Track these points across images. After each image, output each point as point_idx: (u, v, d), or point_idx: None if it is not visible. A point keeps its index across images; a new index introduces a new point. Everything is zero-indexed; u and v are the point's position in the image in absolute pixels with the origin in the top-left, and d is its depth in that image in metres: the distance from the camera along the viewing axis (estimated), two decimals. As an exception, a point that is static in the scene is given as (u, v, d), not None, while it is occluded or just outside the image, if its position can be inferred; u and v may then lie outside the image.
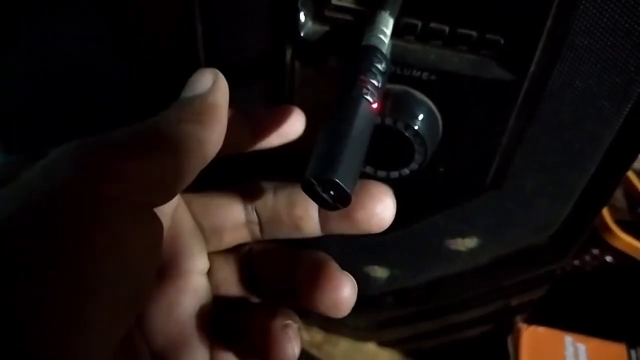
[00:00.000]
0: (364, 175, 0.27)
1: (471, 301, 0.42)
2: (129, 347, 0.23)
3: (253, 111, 0.24)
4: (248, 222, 0.25)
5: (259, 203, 0.25)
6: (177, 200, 0.24)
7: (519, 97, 0.25)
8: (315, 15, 0.25)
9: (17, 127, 0.38)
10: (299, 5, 0.24)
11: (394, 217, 0.24)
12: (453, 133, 0.26)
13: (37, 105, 0.36)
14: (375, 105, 0.21)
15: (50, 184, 0.17)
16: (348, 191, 0.18)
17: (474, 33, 0.24)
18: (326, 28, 0.25)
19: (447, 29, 0.24)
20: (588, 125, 0.26)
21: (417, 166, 0.26)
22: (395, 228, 0.33)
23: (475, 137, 0.27)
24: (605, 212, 0.47)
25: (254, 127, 0.24)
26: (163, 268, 0.24)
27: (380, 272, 0.37)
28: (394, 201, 0.24)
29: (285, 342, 0.22)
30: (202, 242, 0.25)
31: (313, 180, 0.18)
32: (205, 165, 0.21)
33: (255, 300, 0.26)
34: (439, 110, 0.26)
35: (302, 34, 0.25)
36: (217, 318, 0.25)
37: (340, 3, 0.24)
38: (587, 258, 0.49)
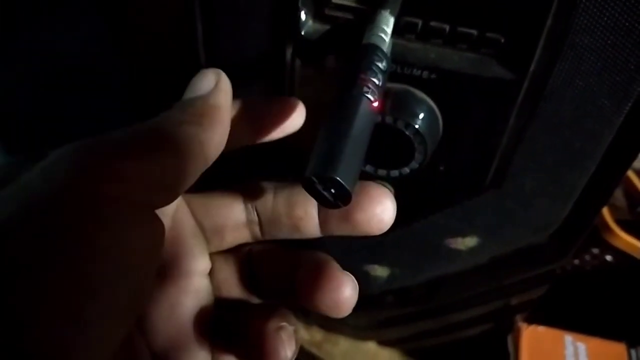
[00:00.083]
0: (364, 174, 0.27)
1: (471, 300, 0.42)
2: (129, 348, 0.23)
3: (252, 104, 0.24)
4: (249, 222, 0.25)
5: (259, 203, 0.25)
6: (178, 200, 0.24)
7: (519, 96, 0.25)
8: (316, 14, 0.25)
9: (17, 127, 0.38)
10: (300, 4, 0.24)
11: (393, 219, 0.24)
12: (453, 132, 0.26)
13: (37, 106, 0.36)
14: (375, 104, 0.21)
15: (50, 185, 0.17)
16: (348, 189, 0.18)
17: (474, 32, 0.24)
18: (327, 27, 0.25)
19: (447, 27, 0.24)
20: (588, 124, 0.26)
21: (417, 165, 0.26)
22: (395, 227, 0.33)
23: (475, 136, 0.27)
24: (606, 211, 0.47)
25: (254, 120, 0.24)
26: (164, 269, 0.24)
27: (380, 271, 0.37)
28: (394, 203, 0.24)
29: (278, 344, 0.22)
30: (204, 243, 0.25)
31: (314, 178, 0.18)
32: (207, 167, 0.21)
33: (255, 301, 0.26)
34: (439, 109, 0.26)
35: (302, 33, 0.25)
36: (218, 319, 0.25)
37: (340, 2, 0.24)
38: (587, 257, 0.49)
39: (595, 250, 0.48)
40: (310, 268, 0.23)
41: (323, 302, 0.22)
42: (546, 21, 0.23)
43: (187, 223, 0.25)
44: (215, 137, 0.21)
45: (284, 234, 0.26)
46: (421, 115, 0.25)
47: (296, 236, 0.25)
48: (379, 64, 0.21)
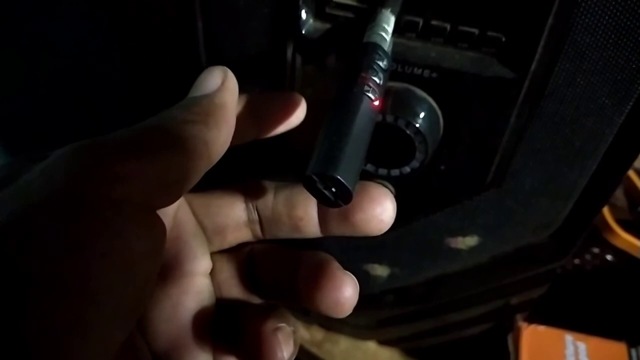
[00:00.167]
0: (365, 174, 0.27)
1: (471, 300, 0.42)
2: (130, 349, 0.23)
3: (254, 98, 0.24)
4: (250, 222, 0.25)
5: (260, 203, 0.25)
6: (179, 200, 0.24)
7: (520, 95, 0.25)
8: (317, 13, 0.25)
9: (17, 127, 0.38)
10: (300, 2, 0.24)
11: (393, 219, 0.24)
12: (454, 131, 0.26)
13: (37, 106, 0.36)
14: (376, 103, 0.21)
15: (50, 187, 0.17)
16: (349, 188, 0.18)
17: (475, 31, 0.24)
18: (327, 25, 0.25)
19: (448, 26, 0.24)
20: (589, 123, 0.26)
21: (418, 164, 0.26)
22: (395, 226, 0.33)
23: (476, 135, 0.27)
24: (606, 211, 0.47)
25: (257, 115, 0.24)
26: (165, 269, 0.24)
27: (380, 271, 0.37)
28: (394, 204, 0.24)
29: (274, 346, 0.22)
30: (205, 243, 0.25)
31: (314, 177, 0.18)
32: (210, 166, 0.20)
33: (256, 301, 0.26)
34: (440, 108, 0.26)
35: (303, 32, 0.25)
36: (219, 319, 0.25)
37: (341, 0, 0.24)
38: (588, 257, 0.49)
39: (596, 250, 0.48)
40: (311, 268, 0.23)
41: (324, 302, 0.22)
42: (547, 20, 0.22)
43: (189, 223, 0.25)
44: (220, 136, 0.20)
45: (284, 233, 0.25)
46: (422, 114, 0.25)
47: (296, 236, 0.25)
48: (380, 63, 0.21)
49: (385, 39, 0.22)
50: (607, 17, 0.22)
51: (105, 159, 0.17)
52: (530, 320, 0.45)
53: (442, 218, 0.32)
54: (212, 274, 0.25)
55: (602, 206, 0.34)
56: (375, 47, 0.22)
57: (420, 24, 0.24)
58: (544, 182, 0.29)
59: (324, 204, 0.19)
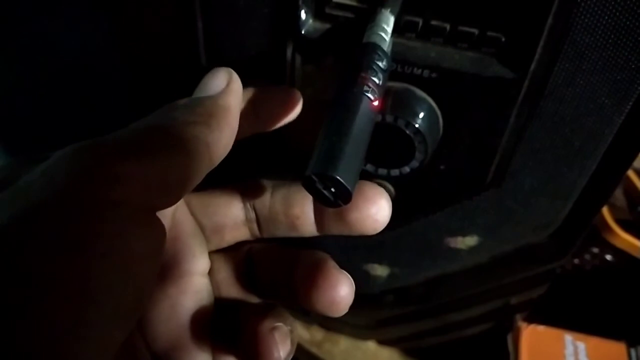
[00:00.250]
0: (365, 173, 0.27)
1: (471, 299, 0.42)
2: (129, 350, 0.23)
3: (251, 93, 0.24)
4: (248, 221, 0.25)
5: (258, 202, 0.25)
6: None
7: (519, 95, 0.25)
8: (316, 13, 0.25)
9: (17, 127, 0.38)
10: (300, 2, 0.24)
11: (389, 219, 0.24)
12: (454, 131, 0.26)
13: (37, 106, 0.36)
14: (376, 103, 0.21)
15: (50, 189, 0.17)
16: (349, 188, 0.18)
17: (475, 31, 0.24)
18: (327, 25, 0.25)
19: (448, 26, 0.24)
20: (589, 123, 0.26)
21: (417, 164, 0.26)
22: (395, 226, 0.33)
23: (475, 135, 0.27)
24: (605, 210, 0.47)
25: (254, 110, 0.24)
26: (164, 269, 0.24)
27: (380, 271, 0.37)
28: (389, 203, 0.23)
29: (271, 345, 0.22)
30: (203, 242, 0.25)
31: (314, 177, 0.18)
32: (212, 168, 0.20)
33: (255, 300, 0.26)
34: (440, 108, 0.26)
35: (303, 32, 0.25)
36: (218, 319, 0.25)
37: (341, 0, 0.24)
38: (587, 257, 0.49)
39: (595, 250, 0.48)
40: (307, 267, 0.23)
41: (319, 301, 0.22)
42: (547, 20, 0.22)
43: (187, 223, 0.25)
44: (222, 139, 0.20)
45: (281, 232, 0.25)
46: (421, 114, 0.25)
47: (293, 234, 0.25)
48: (380, 63, 0.21)
49: (385, 39, 0.22)
50: (606, 17, 0.22)
51: (105, 160, 0.17)
52: (530, 320, 0.45)
53: (441, 218, 0.32)
54: (211, 273, 0.25)
55: (602, 206, 0.34)
56: (375, 47, 0.22)
57: (420, 24, 0.24)
58: (543, 182, 0.29)
59: (323, 204, 0.19)
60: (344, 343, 0.51)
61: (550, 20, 0.23)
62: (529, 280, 0.39)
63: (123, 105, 0.32)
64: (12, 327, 0.14)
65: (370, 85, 0.20)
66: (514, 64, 0.24)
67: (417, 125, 0.24)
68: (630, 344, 0.43)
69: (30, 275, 0.15)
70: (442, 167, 0.28)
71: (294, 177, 0.24)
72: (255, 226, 0.26)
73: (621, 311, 0.48)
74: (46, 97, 0.35)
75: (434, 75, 0.25)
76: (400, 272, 0.38)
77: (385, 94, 0.24)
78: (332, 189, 0.18)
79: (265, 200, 0.25)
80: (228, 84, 0.21)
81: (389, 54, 0.22)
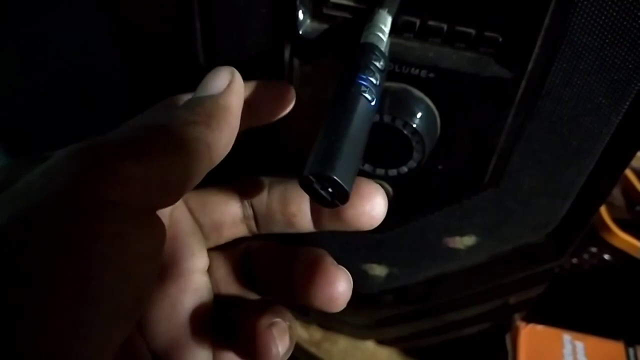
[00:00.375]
0: (363, 174, 0.27)
1: (470, 299, 0.42)
2: (129, 349, 0.23)
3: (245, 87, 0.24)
4: (245, 218, 0.25)
5: (255, 199, 0.25)
6: None
7: (517, 95, 0.25)
8: (314, 13, 0.25)
9: (17, 127, 0.38)
10: (298, 3, 0.24)
11: (385, 214, 0.24)
12: (451, 131, 0.26)
13: (37, 106, 0.36)
14: (373, 103, 0.21)
15: (49, 189, 0.17)
16: (346, 188, 0.18)
17: (472, 31, 0.24)
18: (325, 26, 0.25)
19: (445, 26, 0.24)
20: (586, 122, 0.26)
21: (415, 164, 0.26)
22: (393, 226, 0.33)
23: (473, 135, 0.27)
24: (604, 210, 0.47)
25: (248, 104, 0.24)
26: (163, 268, 0.24)
27: (378, 270, 0.37)
28: (385, 199, 0.24)
29: (269, 341, 0.22)
30: (202, 240, 0.25)
31: (311, 177, 0.18)
32: (211, 168, 0.20)
33: (253, 297, 0.26)
34: (437, 108, 0.26)
35: (300, 32, 0.25)
36: (217, 317, 0.25)
37: (339, 1, 0.24)
38: (586, 256, 0.49)
39: (594, 249, 0.48)
40: (305, 264, 0.23)
41: (317, 298, 0.22)
42: (544, 20, 0.23)
43: (185, 220, 0.25)
44: (223, 139, 0.20)
45: (278, 228, 0.26)
46: (419, 114, 0.25)
47: (290, 231, 0.25)
48: (377, 63, 0.21)
49: (383, 40, 0.22)
50: (603, 17, 0.22)
51: (105, 161, 0.17)
52: (528, 319, 0.45)
53: (439, 218, 0.32)
54: (210, 271, 0.25)
55: (600, 205, 0.34)
56: (373, 48, 0.22)
57: (418, 24, 0.24)
58: (541, 182, 0.29)
59: (321, 204, 0.19)
60: (342, 343, 0.51)
61: (547, 21, 0.23)
62: (527, 279, 0.39)
63: (123, 105, 0.32)
64: (12, 327, 0.14)
65: (368, 85, 0.20)
66: (512, 64, 0.24)
67: (414, 126, 0.24)
68: (629, 343, 0.43)
69: (30, 276, 0.15)
70: (439, 167, 0.28)
71: (291, 175, 0.24)
72: (253, 223, 0.26)
73: (619, 311, 0.48)
74: (46, 97, 0.35)
75: (431, 75, 0.25)
76: (399, 272, 0.38)
77: (383, 94, 0.24)
78: (330, 189, 0.18)
79: (263, 198, 0.25)
80: (229, 84, 0.21)
81: (387, 54, 0.23)
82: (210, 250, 0.26)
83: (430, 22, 0.24)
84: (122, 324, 0.17)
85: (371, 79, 0.21)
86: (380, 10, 0.23)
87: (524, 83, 0.24)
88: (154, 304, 0.23)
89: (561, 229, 0.33)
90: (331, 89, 0.21)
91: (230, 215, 0.25)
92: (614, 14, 0.22)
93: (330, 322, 0.51)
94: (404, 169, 0.26)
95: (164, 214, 0.23)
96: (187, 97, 0.24)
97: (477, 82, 0.24)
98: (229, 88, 0.21)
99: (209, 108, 0.21)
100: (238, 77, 0.22)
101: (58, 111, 0.35)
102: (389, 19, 0.23)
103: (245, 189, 0.25)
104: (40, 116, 0.36)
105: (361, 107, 0.20)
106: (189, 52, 0.27)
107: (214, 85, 0.21)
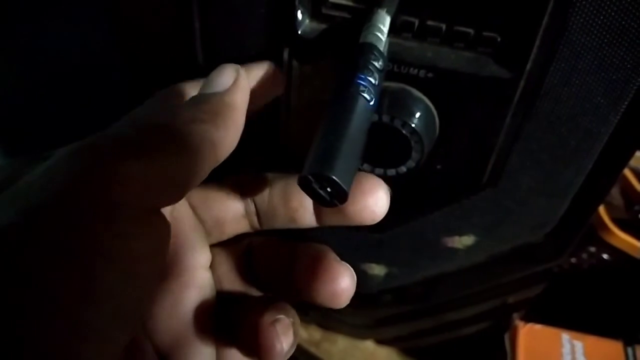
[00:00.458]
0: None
1: (469, 299, 0.42)
2: (133, 348, 0.23)
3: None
4: (247, 213, 0.25)
5: (257, 194, 0.25)
6: None
7: (515, 95, 0.25)
8: (313, 13, 0.25)
9: (17, 128, 0.38)
10: (297, 3, 0.24)
11: (387, 209, 0.24)
12: (450, 131, 0.27)
13: (37, 106, 0.36)
14: (372, 103, 0.21)
15: (50, 189, 0.17)
16: (345, 188, 0.18)
17: (470, 31, 0.24)
18: (323, 26, 0.25)
19: (444, 26, 0.24)
20: (585, 122, 0.26)
21: (414, 164, 0.26)
22: (392, 226, 0.33)
23: (472, 135, 0.27)
24: (602, 210, 0.47)
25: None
26: (166, 265, 0.24)
27: (377, 270, 0.37)
28: (387, 193, 0.24)
29: (273, 337, 0.22)
30: (204, 236, 0.25)
31: (310, 177, 0.18)
32: (215, 166, 0.20)
33: (256, 294, 0.26)
34: (436, 108, 0.26)
35: (299, 32, 0.25)
36: (220, 313, 0.25)
37: (337, 1, 0.24)
38: (584, 256, 0.49)
39: (592, 249, 0.48)
40: (308, 260, 0.23)
41: (321, 293, 0.22)
42: (543, 20, 0.23)
43: (187, 217, 0.25)
44: (228, 137, 0.20)
45: (280, 224, 0.26)
46: (418, 114, 0.25)
47: (292, 226, 0.25)
48: (376, 63, 0.21)
49: (381, 39, 0.22)
50: (602, 17, 0.22)
51: (106, 160, 0.17)
52: (527, 319, 0.45)
53: (438, 218, 0.32)
54: (212, 267, 0.25)
55: (598, 205, 0.34)
56: (371, 48, 0.22)
57: (416, 24, 0.24)
58: (540, 182, 0.30)
59: (320, 203, 0.19)
60: (342, 342, 0.51)
61: (546, 20, 0.23)
62: (526, 279, 0.39)
63: (123, 105, 0.32)
64: (12, 327, 0.14)
65: (366, 85, 0.21)
66: (510, 64, 0.24)
67: (413, 125, 0.24)
68: (627, 342, 0.43)
69: (30, 276, 0.15)
70: (438, 166, 0.29)
71: (290, 172, 0.24)
72: (255, 219, 0.26)
73: (618, 310, 0.48)
74: (46, 97, 0.35)
75: (430, 75, 0.25)
76: (398, 272, 0.38)
77: (382, 94, 0.24)
78: (328, 189, 0.18)
79: (265, 193, 0.25)
80: (235, 81, 0.21)
81: (385, 54, 0.23)
82: (212, 246, 0.26)
83: (429, 22, 0.24)
84: (123, 324, 0.17)
85: (370, 78, 0.21)
86: (379, 10, 0.23)
87: (522, 83, 0.24)
88: (157, 301, 0.23)
89: (560, 229, 0.33)
90: (330, 89, 0.21)
91: (232, 211, 0.25)
92: (613, 13, 0.22)
93: (329, 322, 0.51)
94: (403, 168, 0.26)
95: (165, 210, 0.23)
96: (188, 85, 0.24)
97: (476, 82, 0.24)
98: (235, 85, 0.21)
99: (214, 105, 0.20)
100: (243, 74, 0.22)
101: (58, 111, 0.35)
102: (388, 19, 0.23)
103: (246, 185, 0.25)
104: (40, 116, 0.36)
105: (360, 107, 0.20)
106: (188, 52, 0.27)
107: (219, 83, 0.21)
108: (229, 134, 0.20)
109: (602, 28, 0.23)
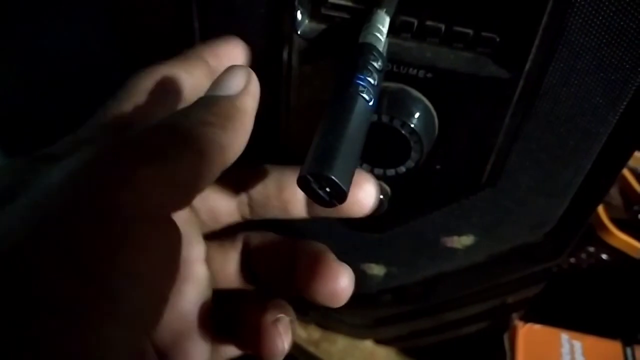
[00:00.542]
0: (361, 173, 0.27)
1: (468, 299, 0.42)
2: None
3: (200, 50, 0.24)
4: (241, 204, 0.26)
5: (251, 184, 0.25)
6: None
7: (514, 95, 0.25)
8: (312, 14, 0.25)
9: (17, 127, 0.38)
10: (296, 3, 0.24)
11: (376, 202, 0.24)
12: (449, 131, 0.27)
13: (37, 106, 0.36)
14: (371, 103, 0.21)
15: (64, 201, 0.16)
16: (344, 188, 0.18)
17: (470, 31, 0.24)
18: (323, 26, 0.25)
19: (443, 27, 0.24)
20: (583, 122, 0.26)
21: (413, 164, 0.26)
22: (391, 226, 0.33)
23: (471, 135, 0.27)
24: (601, 210, 0.47)
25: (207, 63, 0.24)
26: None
27: (377, 270, 0.37)
28: (376, 187, 0.24)
29: (275, 337, 0.22)
30: (198, 228, 0.25)
31: (309, 177, 0.18)
32: (223, 170, 0.20)
33: (252, 290, 0.26)
34: (435, 108, 0.26)
35: (299, 32, 0.25)
36: (217, 309, 0.25)
37: (337, 1, 0.24)
38: (583, 256, 0.49)
39: (591, 249, 0.48)
40: (307, 259, 0.23)
41: (320, 293, 0.23)
42: (541, 20, 0.23)
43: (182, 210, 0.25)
44: (237, 141, 0.20)
45: (272, 214, 0.26)
46: (417, 115, 0.25)
47: (283, 217, 0.26)
48: (375, 64, 0.22)
49: (380, 40, 0.22)
50: (600, 18, 0.23)
51: (118, 170, 0.17)
52: (526, 319, 0.45)
53: (437, 217, 0.32)
54: (209, 263, 0.25)
55: (597, 205, 0.34)
56: (370, 48, 0.22)
57: (415, 24, 0.24)
58: (539, 181, 0.30)
59: (319, 203, 0.19)
60: (341, 342, 0.51)
61: (544, 20, 0.23)
62: (525, 279, 0.39)
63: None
64: (27, 339, 0.14)
65: (366, 85, 0.21)
66: (509, 64, 0.24)
67: (412, 126, 0.24)
68: (626, 342, 0.43)
69: (46, 288, 0.15)
70: (437, 166, 0.29)
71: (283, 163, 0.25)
72: (246, 209, 0.26)
73: (617, 310, 0.48)
74: (46, 97, 0.35)
75: (429, 75, 0.25)
76: (397, 272, 0.38)
77: (381, 94, 0.24)
78: (327, 189, 0.18)
79: (259, 184, 0.25)
80: (246, 85, 0.21)
81: (385, 54, 0.23)
82: (208, 241, 0.26)
83: (428, 23, 0.24)
84: (142, 332, 0.17)
85: (369, 79, 0.21)
86: (379, 11, 0.23)
87: (521, 83, 0.25)
88: None
89: (559, 229, 0.33)
90: (330, 89, 0.21)
91: (226, 202, 0.25)
92: (611, 14, 0.22)
93: (328, 321, 0.51)
94: (402, 168, 0.26)
95: None
96: (163, 68, 0.23)
97: (475, 82, 0.25)
98: (246, 89, 0.21)
99: (225, 109, 0.20)
100: (254, 78, 0.21)
101: (58, 111, 0.35)
102: (387, 19, 0.23)
103: (241, 175, 0.25)
104: (40, 116, 0.36)
105: (359, 108, 0.20)
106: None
107: (230, 85, 0.21)
108: (237, 138, 0.20)
109: (600, 28, 0.23)
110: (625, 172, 0.49)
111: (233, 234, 0.26)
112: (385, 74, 0.24)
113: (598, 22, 0.23)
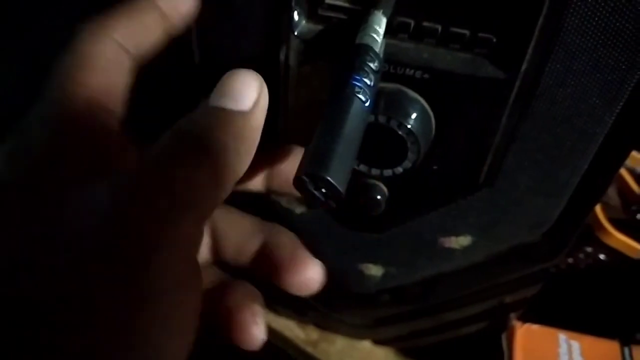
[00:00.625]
0: (358, 174, 0.27)
1: (466, 299, 0.42)
2: None
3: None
4: None
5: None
6: None
7: (511, 95, 0.25)
8: (309, 14, 0.25)
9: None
10: (293, 4, 0.24)
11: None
12: (446, 131, 0.27)
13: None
14: (367, 104, 0.21)
15: (107, 249, 0.16)
16: (339, 189, 0.18)
17: (466, 32, 0.24)
18: (320, 27, 0.25)
19: (439, 27, 0.24)
20: (580, 123, 0.26)
21: (410, 164, 0.26)
22: (389, 226, 0.33)
23: (468, 135, 0.27)
24: (599, 210, 0.47)
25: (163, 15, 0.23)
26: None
27: (374, 270, 0.37)
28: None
29: (253, 329, 0.23)
30: None
31: (305, 178, 0.18)
32: (234, 182, 0.20)
33: (221, 274, 0.26)
34: (432, 109, 0.26)
35: (296, 33, 0.25)
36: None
37: (334, 2, 0.24)
38: (581, 256, 0.49)
39: (589, 249, 0.48)
40: (276, 249, 0.24)
41: (290, 284, 0.24)
42: (538, 21, 0.23)
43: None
44: (248, 160, 0.20)
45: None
46: (414, 115, 0.25)
47: (240, 188, 0.26)
48: (371, 64, 0.22)
49: (377, 41, 0.22)
50: (597, 18, 0.23)
51: (141, 222, 0.17)
52: (524, 319, 0.44)
53: (435, 218, 0.32)
54: None
55: (595, 205, 0.34)
56: (367, 49, 0.22)
57: (412, 25, 0.24)
58: (536, 182, 0.30)
59: (315, 204, 0.19)
60: (340, 342, 0.51)
61: (541, 21, 0.23)
62: (523, 279, 0.39)
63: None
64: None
65: (362, 86, 0.21)
66: (506, 65, 0.24)
67: (409, 126, 0.24)
68: (624, 342, 0.43)
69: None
70: (435, 167, 0.29)
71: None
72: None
73: (615, 310, 0.48)
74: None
75: (426, 76, 0.25)
76: (395, 272, 0.38)
77: (378, 95, 0.24)
78: (323, 190, 0.18)
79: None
80: (259, 99, 0.20)
81: (381, 55, 0.23)
82: None
83: (425, 23, 0.24)
84: None
85: (365, 80, 0.21)
86: (375, 11, 0.23)
87: (518, 84, 0.25)
88: None
89: (556, 229, 0.34)
90: (327, 90, 0.21)
91: None
92: (607, 15, 0.22)
93: (327, 322, 0.51)
94: (399, 169, 0.26)
95: None
96: (113, 22, 0.23)
97: (472, 83, 0.25)
98: (259, 105, 0.20)
99: (241, 130, 0.20)
100: (265, 91, 0.21)
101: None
102: (384, 20, 0.23)
103: None
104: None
105: (355, 108, 0.20)
106: (185, 53, 0.27)
107: (244, 98, 0.20)
108: (249, 157, 0.20)
109: (597, 29, 0.23)
110: (623, 172, 0.49)
111: None
112: (382, 75, 0.24)
113: (594, 23, 0.23)
